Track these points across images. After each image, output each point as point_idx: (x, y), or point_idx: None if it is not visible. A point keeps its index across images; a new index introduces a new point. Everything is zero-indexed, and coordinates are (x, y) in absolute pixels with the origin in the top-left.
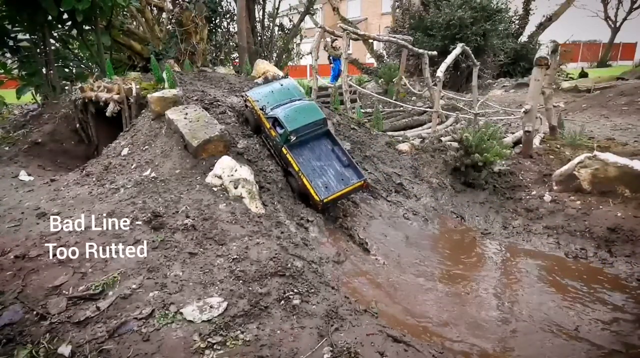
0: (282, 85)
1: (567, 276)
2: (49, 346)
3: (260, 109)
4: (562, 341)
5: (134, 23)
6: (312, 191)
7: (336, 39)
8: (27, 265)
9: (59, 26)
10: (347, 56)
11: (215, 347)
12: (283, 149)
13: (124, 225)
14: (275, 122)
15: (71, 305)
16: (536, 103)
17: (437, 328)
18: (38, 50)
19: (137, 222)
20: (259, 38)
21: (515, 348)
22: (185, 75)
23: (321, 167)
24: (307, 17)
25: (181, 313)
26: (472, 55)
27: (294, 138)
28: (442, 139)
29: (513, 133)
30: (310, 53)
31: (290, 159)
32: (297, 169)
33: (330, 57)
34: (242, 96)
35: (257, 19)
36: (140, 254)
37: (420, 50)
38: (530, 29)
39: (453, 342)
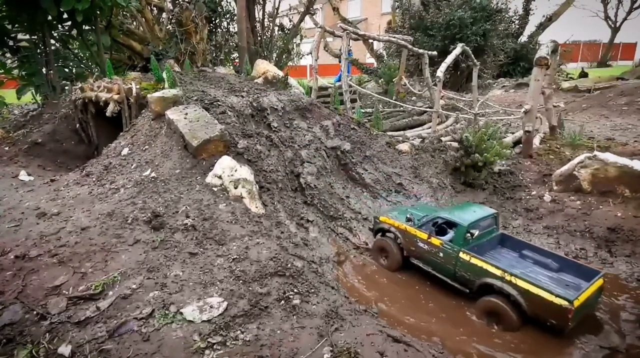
0: (412, 205)
1: None
2: (49, 346)
3: (407, 221)
4: (562, 341)
5: (134, 23)
6: (549, 295)
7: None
8: (27, 265)
9: (59, 26)
10: (347, 56)
11: (215, 347)
12: (462, 254)
13: (124, 225)
14: (435, 226)
15: (71, 305)
16: (536, 103)
17: (437, 328)
18: (38, 50)
19: (137, 222)
20: (259, 38)
21: (515, 348)
22: (185, 75)
23: (524, 274)
24: (307, 17)
25: (181, 313)
26: (472, 55)
27: (476, 233)
28: (442, 139)
29: (513, 133)
30: (310, 53)
31: (481, 262)
32: (501, 272)
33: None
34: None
35: (257, 19)
36: (140, 254)
37: (420, 50)
38: (530, 29)
39: (453, 341)
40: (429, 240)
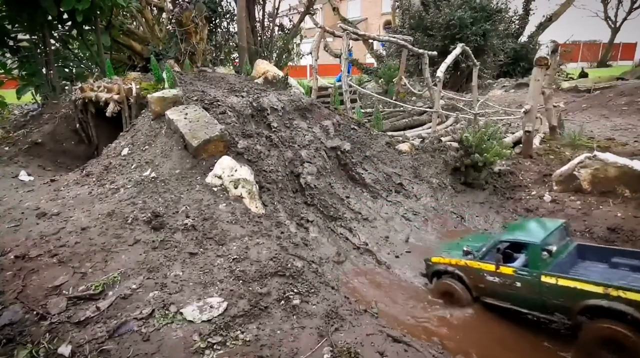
0: (461, 238)
1: None
2: (49, 346)
3: (465, 255)
4: (562, 341)
5: (134, 23)
6: None
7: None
8: (27, 265)
9: (59, 26)
10: (347, 56)
11: (215, 347)
12: (544, 278)
13: (124, 225)
14: (499, 252)
15: (71, 305)
16: (536, 103)
17: (437, 328)
18: (38, 50)
19: (137, 222)
20: (259, 38)
21: (516, 349)
22: (185, 75)
23: (630, 285)
24: (307, 17)
25: (181, 313)
26: (472, 55)
27: (554, 249)
28: (442, 139)
29: (513, 133)
30: (310, 53)
31: (573, 282)
32: (603, 288)
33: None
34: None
35: (257, 19)
36: (140, 254)
37: (420, 50)
38: (530, 29)
39: (453, 342)
40: (498, 270)
